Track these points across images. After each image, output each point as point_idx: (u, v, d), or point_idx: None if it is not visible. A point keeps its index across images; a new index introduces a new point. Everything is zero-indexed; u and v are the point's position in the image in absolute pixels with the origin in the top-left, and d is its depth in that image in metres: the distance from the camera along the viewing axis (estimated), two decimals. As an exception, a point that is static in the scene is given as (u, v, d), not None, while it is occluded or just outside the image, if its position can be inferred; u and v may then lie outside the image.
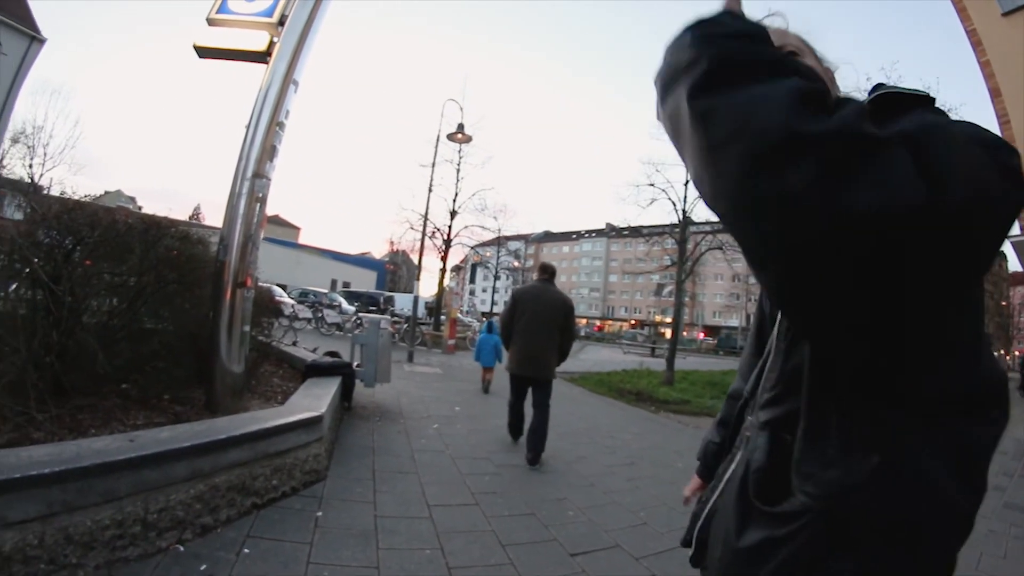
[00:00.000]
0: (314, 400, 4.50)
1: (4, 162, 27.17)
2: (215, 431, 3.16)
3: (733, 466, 1.01)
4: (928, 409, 0.71)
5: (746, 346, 1.25)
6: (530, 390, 5.67)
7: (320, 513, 3.38)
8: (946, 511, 0.74)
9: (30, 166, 29.47)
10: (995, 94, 8.93)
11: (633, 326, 76.00)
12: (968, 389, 0.73)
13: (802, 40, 1.02)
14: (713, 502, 1.05)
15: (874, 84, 0.90)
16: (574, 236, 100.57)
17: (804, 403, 0.79)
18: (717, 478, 1.08)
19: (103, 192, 46.65)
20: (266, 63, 4.72)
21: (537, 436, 5.30)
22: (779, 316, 0.98)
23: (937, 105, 0.80)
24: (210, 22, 4.91)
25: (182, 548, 2.69)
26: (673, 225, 17.83)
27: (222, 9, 4.91)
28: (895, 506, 0.71)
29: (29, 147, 29.50)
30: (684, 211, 15.80)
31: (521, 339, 5.53)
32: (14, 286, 3.38)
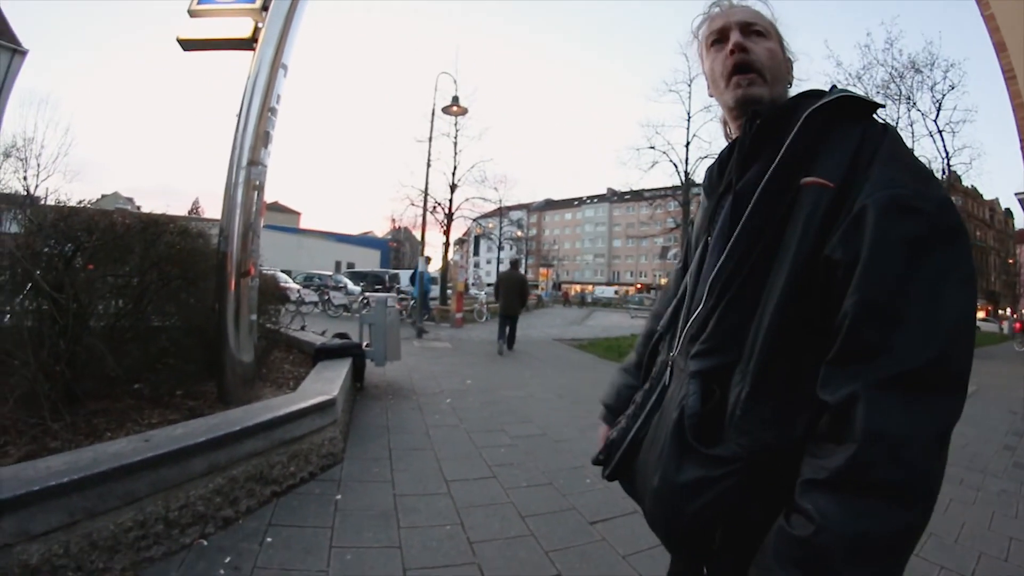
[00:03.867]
0: (326, 383, 4.52)
1: None
2: (229, 423, 3.17)
3: (653, 399, 1.15)
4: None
5: (666, 287, 1.43)
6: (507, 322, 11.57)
7: (339, 496, 3.41)
8: None
9: (24, 178, 29.26)
10: (1000, 48, 8.64)
11: (639, 290, 75.98)
12: None
13: (773, 26, 1.15)
14: (635, 431, 1.16)
15: (831, 86, 1.06)
16: (576, 203, 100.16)
17: (755, 369, 0.92)
18: (636, 407, 1.20)
19: (100, 196, 46.65)
20: (253, 50, 4.61)
21: (511, 337, 11.67)
22: (700, 261, 1.14)
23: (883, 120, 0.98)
24: (192, 13, 4.81)
25: (205, 542, 2.71)
26: (675, 187, 17.70)
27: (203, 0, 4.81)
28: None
29: (21, 160, 29.23)
30: (686, 172, 15.67)
31: (502, 298, 11.72)
32: (19, 299, 3.36)
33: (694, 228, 1.29)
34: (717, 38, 1.15)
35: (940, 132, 19.89)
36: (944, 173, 20.87)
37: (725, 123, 1.26)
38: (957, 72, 19.60)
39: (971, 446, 5.43)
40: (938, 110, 19.66)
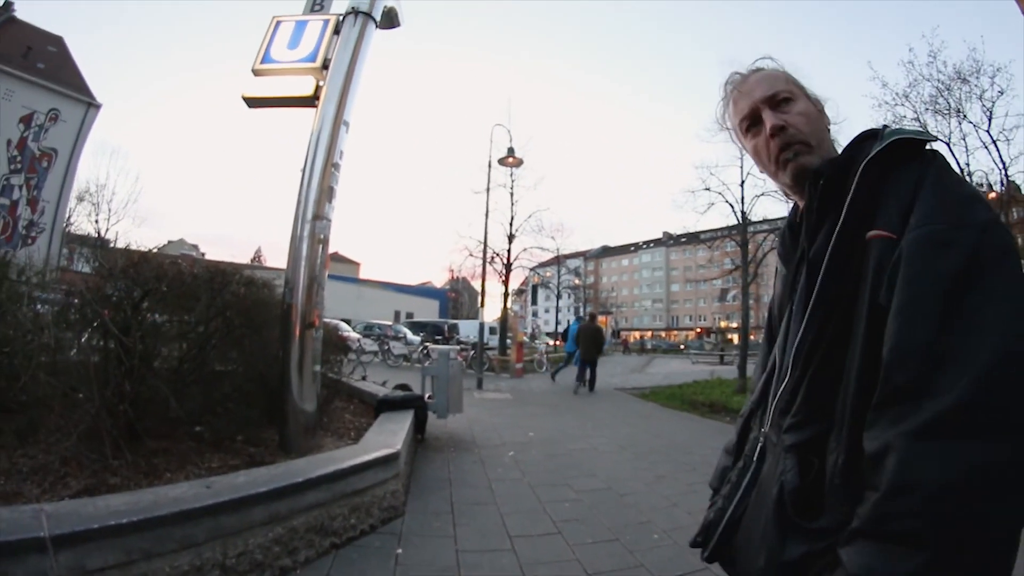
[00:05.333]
0: (389, 436, 4.47)
1: (72, 219, 28.64)
2: (292, 474, 3.14)
3: (749, 476, 1.12)
4: None
5: (758, 359, 1.37)
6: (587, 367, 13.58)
7: (400, 550, 3.31)
8: None
9: (96, 221, 31.39)
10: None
11: (699, 335, 74.31)
12: None
13: (793, 82, 1.13)
14: (732, 510, 1.12)
15: (882, 125, 1.04)
16: (632, 248, 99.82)
17: (848, 434, 0.88)
18: (732, 486, 1.16)
19: (167, 241, 49.12)
20: (315, 107, 4.79)
21: (592, 380, 13.64)
22: (786, 332, 1.10)
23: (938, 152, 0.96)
24: (256, 72, 5.05)
25: (264, 593, 2.65)
26: (732, 227, 17.38)
27: (266, 59, 5.05)
28: None
29: (94, 204, 31.45)
30: (743, 212, 15.36)
31: (582, 346, 13.81)
32: (85, 336, 3.47)
33: (775, 298, 1.28)
34: (750, 123, 1.14)
35: (995, 142, 19.03)
36: (1003, 185, 19.92)
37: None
38: (1004, 76, 18.83)
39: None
40: (989, 119, 18.81)
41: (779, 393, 1.06)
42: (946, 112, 19.49)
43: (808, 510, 0.92)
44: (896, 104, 20.71)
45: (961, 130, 19.64)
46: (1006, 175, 20.01)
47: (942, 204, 0.86)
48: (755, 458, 1.13)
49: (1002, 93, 18.93)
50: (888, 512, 0.74)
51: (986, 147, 19.40)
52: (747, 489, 1.12)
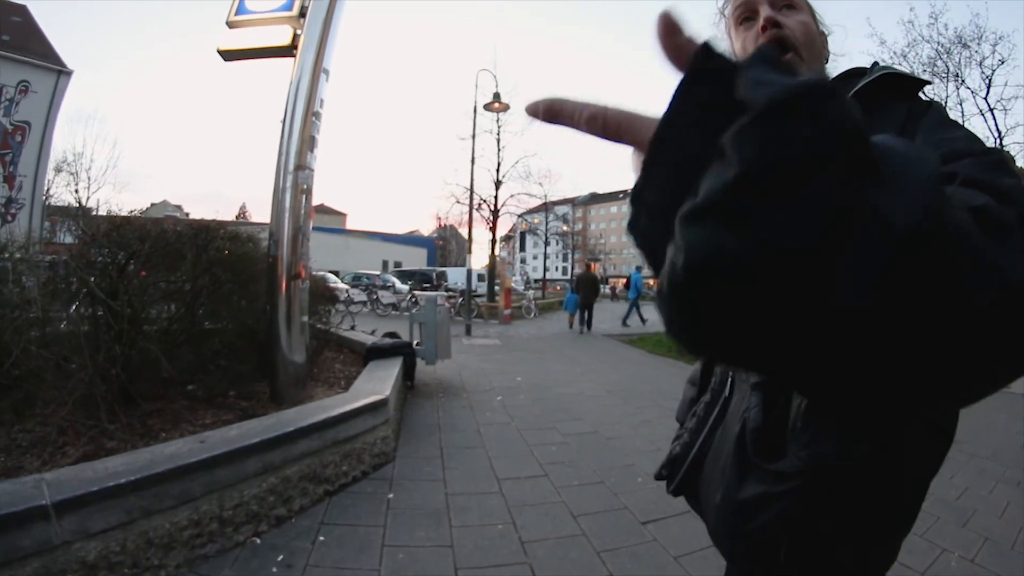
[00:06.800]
0: (378, 383, 4.55)
1: (51, 191, 28.15)
2: (283, 424, 3.21)
3: (716, 412, 1.09)
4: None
5: None
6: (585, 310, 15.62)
7: (391, 495, 3.42)
8: (903, 510, 0.90)
9: (76, 191, 30.87)
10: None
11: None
12: None
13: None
14: (699, 446, 1.11)
15: (872, 63, 0.99)
16: (621, 195, 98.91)
17: None
18: (699, 421, 1.14)
19: (149, 204, 48.27)
20: (293, 56, 4.68)
21: (589, 321, 15.75)
22: None
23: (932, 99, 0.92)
24: (231, 24, 4.90)
25: (259, 541, 2.75)
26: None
27: (240, 10, 4.89)
28: (872, 489, 0.84)
29: (72, 174, 30.93)
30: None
31: (581, 292, 15.80)
32: (75, 306, 3.48)
33: None
34: (746, 14, 1.06)
35: (991, 110, 18.83)
36: None
37: None
38: (1007, 45, 18.51)
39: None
40: (988, 87, 18.60)
41: None
42: (944, 76, 19.19)
43: (769, 451, 0.89)
44: (894, 63, 20.33)
45: (959, 95, 19.36)
46: (1001, 144, 19.87)
47: (957, 133, 0.77)
48: (723, 392, 1.10)
49: (1003, 62, 18.59)
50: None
51: (983, 114, 19.12)
52: (714, 425, 1.09)
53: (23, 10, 24.21)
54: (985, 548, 2.99)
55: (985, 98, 18.72)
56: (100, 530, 2.16)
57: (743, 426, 0.94)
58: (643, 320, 17.47)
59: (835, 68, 1.08)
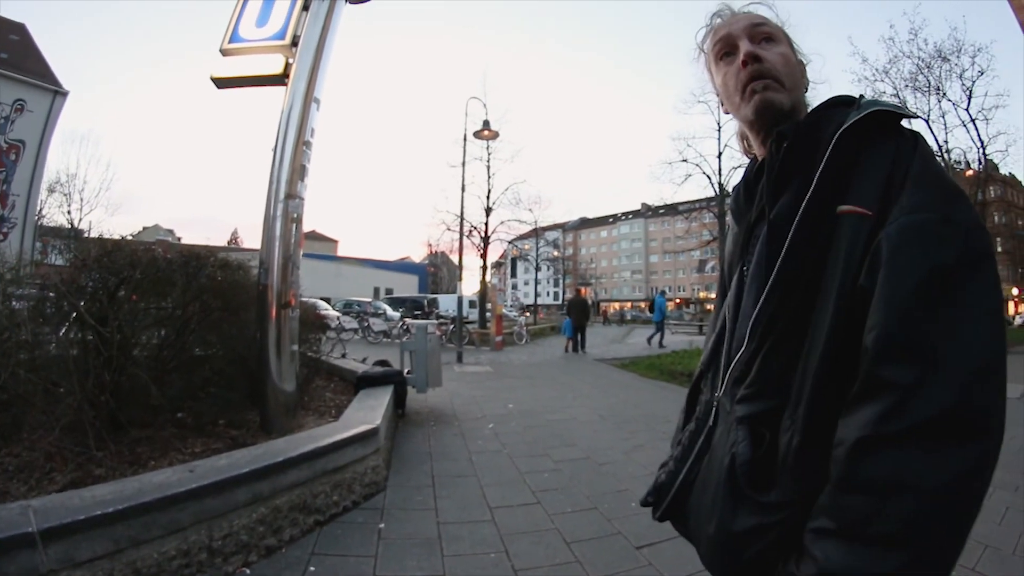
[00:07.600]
0: (368, 412, 4.52)
1: (44, 212, 27.87)
2: (273, 454, 3.19)
3: (701, 440, 1.11)
4: None
5: (711, 316, 1.36)
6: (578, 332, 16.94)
7: (383, 525, 3.39)
8: None
9: (68, 212, 30.64)
10: (1025, 28, 8.35)
11: (678, 305, 74.92)
12: None
13: (781, 29, 1.09)
14: (684, 474, 1.13)
15: (858, 95, 1.01)
16: (611, 220, 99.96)
17: (804, 414, 0.86)
18: (684, 449, 1.16)
19: (141, 228, 48.19)
20: (285, 85, 4.71)
21: (583, 342, 16.90)
22: (737, 294, 1.08)
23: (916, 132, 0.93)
24: (224, 52, 4.95)
25: (248, 571, 2.71)
26: (709, 199, 17.52)
27: (234, 38, 4.95)
28: None
29: (65, 195, 30.67)
30: (720, 184, 15.51)
31: (574, 315, 17.00)
32: (63, 330, 3.46)
33: (726, 255, 1.24)
34: (726, 50, 1.09)
35: (973, 121, 19.22)
36: (980, 163, 20.18)
37: (743, 138, 1.20)
38: (985, 56, 18.98)
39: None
40: (969, 98, 19.03)
41: (734, 362, 1.03)
42: (925, 89, 19.64)
43: (759, 483, 0.91)
44: (876, 80, 20.73)
45: (940, 108, 19.79)
46: (984, 154, 20.27)
47: (934, 193, 0.83)
48: (708, 422, 1.11)
49: (982, 73, 19.09)
50: (871, 513, 0.72)
51: (965, 126, 19.57)
52: (700, 454, 1.10)
53: (21, 28, 24.47)
54: (986, 555, 2.99)
55: (967, 109, 19.06)
56: (87, 559, 2.13)
57: (732, 459, 0.96)
58: (662, 345, 17.77)
59: (815, 96, 1.10)
